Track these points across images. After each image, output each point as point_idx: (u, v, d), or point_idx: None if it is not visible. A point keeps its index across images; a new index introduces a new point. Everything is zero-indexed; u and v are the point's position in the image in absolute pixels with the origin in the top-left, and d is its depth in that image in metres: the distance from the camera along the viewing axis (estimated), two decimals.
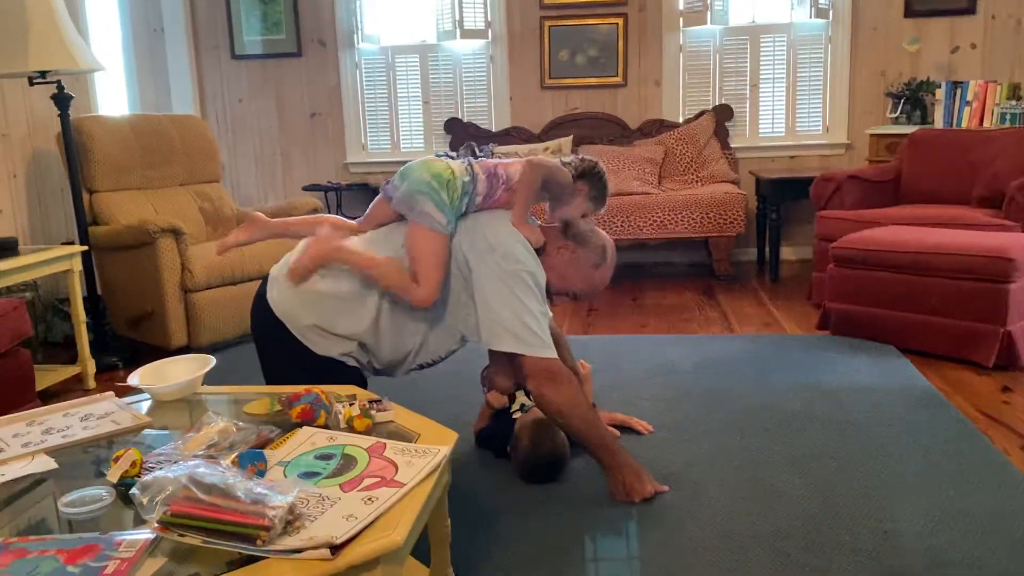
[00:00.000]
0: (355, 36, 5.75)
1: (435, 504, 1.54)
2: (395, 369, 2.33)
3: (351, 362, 2.22)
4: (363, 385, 2.18)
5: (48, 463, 1.53)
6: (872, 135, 5.21)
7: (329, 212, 5.71)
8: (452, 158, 2.33)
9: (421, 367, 2.35)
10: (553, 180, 2.26)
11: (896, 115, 5.20)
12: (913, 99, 5.16)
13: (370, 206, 2.37)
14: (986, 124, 4.82)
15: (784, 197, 4.95)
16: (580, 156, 2.41)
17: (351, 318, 2.19)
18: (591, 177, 2.34)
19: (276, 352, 2.24)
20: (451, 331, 2.26)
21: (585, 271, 2.27)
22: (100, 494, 1.37)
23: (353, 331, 2.20)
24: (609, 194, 2.39)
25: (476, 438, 2.54)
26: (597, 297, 4.67)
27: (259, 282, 2.33)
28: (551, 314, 2.40)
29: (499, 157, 2.27)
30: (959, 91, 4.91)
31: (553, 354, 2.12)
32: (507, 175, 2.24)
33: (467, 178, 2.19)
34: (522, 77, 5.69)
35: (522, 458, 2.30)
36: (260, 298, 2.26)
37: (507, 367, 2.44)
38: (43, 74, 3.49)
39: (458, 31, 5.60)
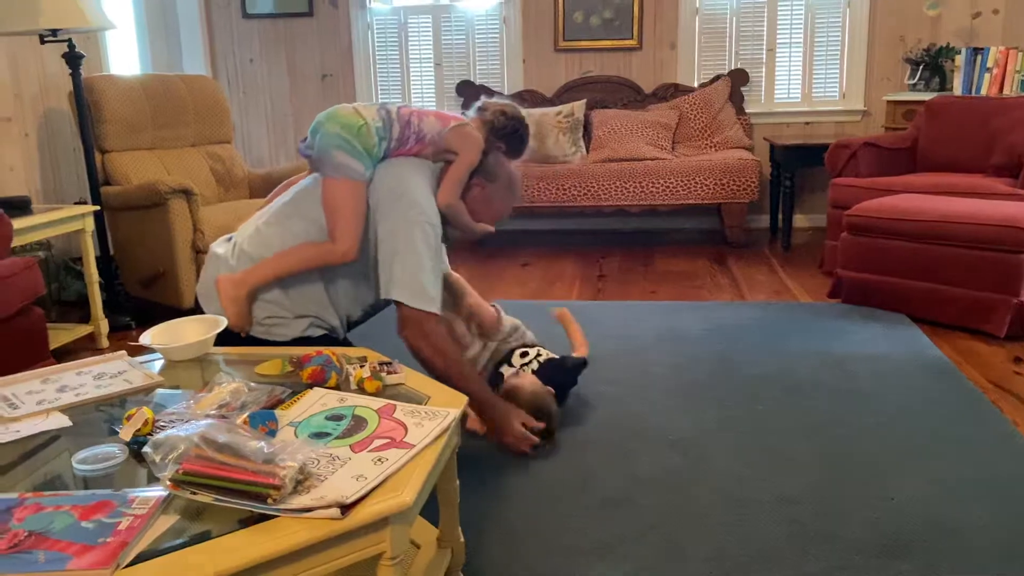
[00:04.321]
0: None
1: (444, 466, 1.56)
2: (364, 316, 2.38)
3: (318, 332, 2.23)
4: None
5: (62, 420, 1.55)
6: (889, 102, 5.13)
7: None
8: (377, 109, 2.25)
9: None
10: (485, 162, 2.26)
11: (914, 82, 5.12)
12: (932, 65, 5.07)
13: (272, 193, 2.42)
14: (1006, 91, 4.73)
15: (798, 164, 4.91)
16: (503, 108, 2.32)
17: (303, 298, 2.20)
18: (511, 139, 2.32)
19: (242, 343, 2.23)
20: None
21: (496, 205, 2.31)
22: (112, 451, 1.38)
23: (306, 308, 2.20)
24: (528, 148, 2.37)
25: None
26: (607, 264, 4.67)
27: None
28: (447, 266, 2.46)
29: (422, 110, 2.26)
30: (979, 57, 4.82)
31: (435, 310, 2.13)
32: (419, 127, 2.20)
33: (379, 123, 2.17)
34: (535, 39, 5.62)
35: None
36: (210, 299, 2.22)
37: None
38: (54, 32, 3.47)
39: None
